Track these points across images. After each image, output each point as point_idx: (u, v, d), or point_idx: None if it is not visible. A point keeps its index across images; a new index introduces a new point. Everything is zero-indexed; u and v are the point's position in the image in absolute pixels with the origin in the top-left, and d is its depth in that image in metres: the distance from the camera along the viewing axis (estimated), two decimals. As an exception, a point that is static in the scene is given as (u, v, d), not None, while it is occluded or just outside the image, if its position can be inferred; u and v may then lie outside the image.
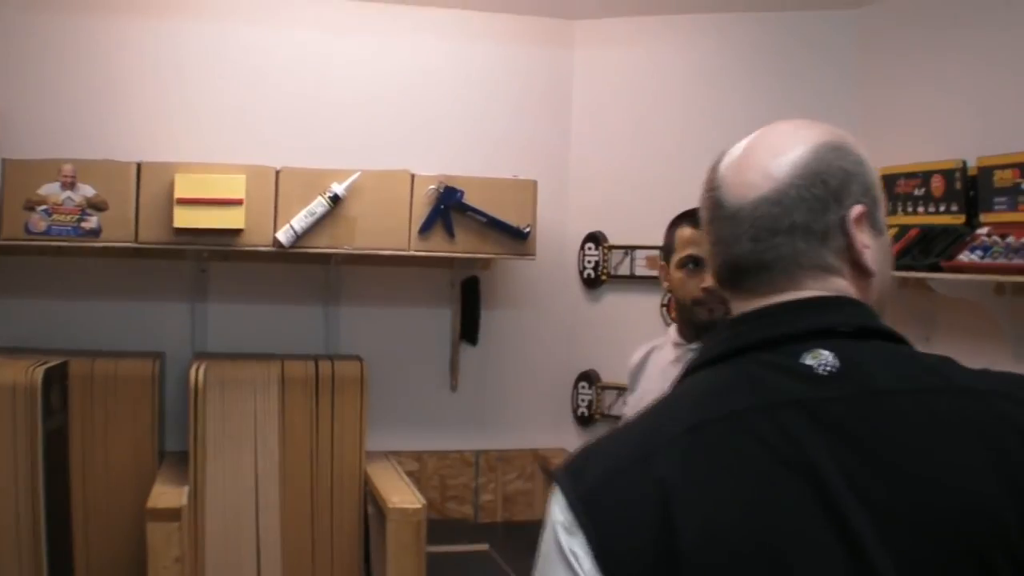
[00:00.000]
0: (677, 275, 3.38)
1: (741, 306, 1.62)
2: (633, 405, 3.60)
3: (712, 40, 5.83)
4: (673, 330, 3.59)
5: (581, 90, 6.06)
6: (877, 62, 5.43)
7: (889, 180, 4.76)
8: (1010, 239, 4.02)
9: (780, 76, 5.69)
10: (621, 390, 5.80)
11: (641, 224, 5.80)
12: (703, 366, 1.58)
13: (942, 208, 4.48)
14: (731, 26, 5.77)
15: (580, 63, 6.05)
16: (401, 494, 4.95)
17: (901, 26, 5.26)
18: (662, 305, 5.78)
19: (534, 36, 5.99)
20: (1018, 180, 4.06)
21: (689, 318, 3.40)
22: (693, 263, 3.33)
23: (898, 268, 4.51)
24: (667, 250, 3.48)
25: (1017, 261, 3.91)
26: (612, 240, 5.94)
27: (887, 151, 5.05)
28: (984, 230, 4.20)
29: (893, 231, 4.67)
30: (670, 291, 3.51)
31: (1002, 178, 4.14)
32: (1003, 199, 4.15)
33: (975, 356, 4.53)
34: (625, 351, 5.94)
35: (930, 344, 4.91)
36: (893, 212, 4.74)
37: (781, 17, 5.67)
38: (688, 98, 5.86)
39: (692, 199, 5.59)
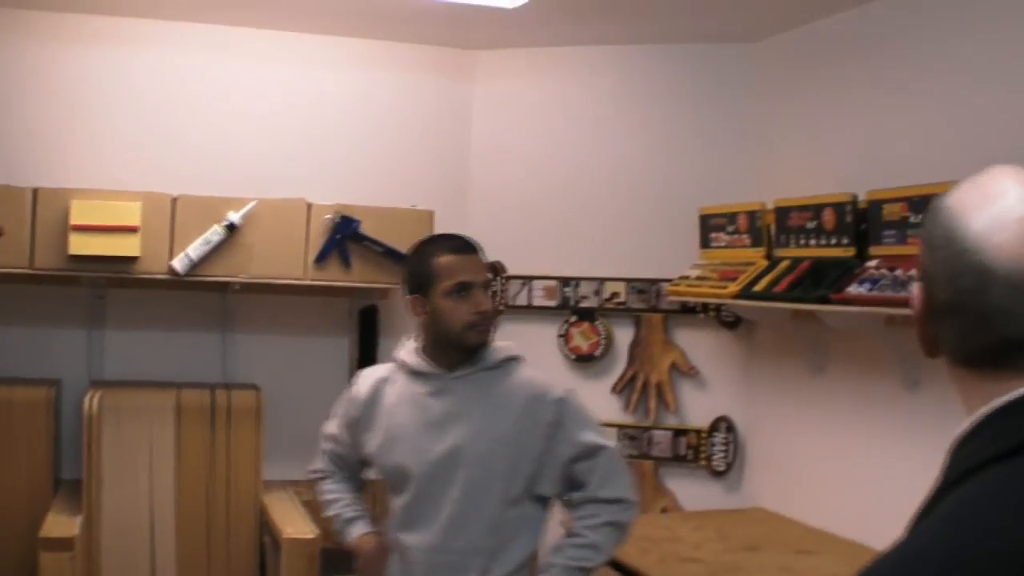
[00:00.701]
0: (446, 303, 3.23)
1: (999, 389, 1.36)
2: (379, 445, 3.38)
3: (612, 72, 5.83)
4: (412, 359, 3.39)
5: (481, 120, 6.01)
6: (773, 95, 5.46)
7: (782, 213, 4.78)
8: (898, 272, 4.03)
9: (680, 107, 5.71)
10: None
11: (539, 255, 5.84)
12: (987, 464, 1.31)
13: (833, 241, 4.49)
14: (632, 58, 5.78)
15: (481, 93, 6.01)
16: (295, 524, 4.86)
17: (796, 60, 5.29)
18: (559, 336, 5.77)
19: (435, 66, 5.94)
20: (906, 214, 4.08)
21: (458, 344, 3.28)
22: (463, 289, 3.22)
23: (789, 300, 4.52)
24: (424, 280, 3.28)
25: (904, 294, 3.92)
26: (511, 270, 5.90)
27: (782, 183, 5.09)
28: (873, 263, 4.21)
29: (785, 264, 4.69)
30: (429, 323, 3.30)
31: (891, 211, 4.16)
32: (892, 232, 4.16)
33: (867, 387, 4.56)
34: (524, 380, 5.92)
35: (824, 375, 4.93)
36: (786, 244, 4.76)
37: (681, 49, 5.68)
38: (588, 129, 5.85)
39: (590, 230, 5.57)
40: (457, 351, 3.30)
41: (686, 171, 5.65)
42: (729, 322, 5.52)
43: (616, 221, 5.72)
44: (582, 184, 5.79)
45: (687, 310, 5.59)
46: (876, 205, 4.24)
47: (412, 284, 3.33)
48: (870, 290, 4.10)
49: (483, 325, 3.27)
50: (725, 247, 5.21)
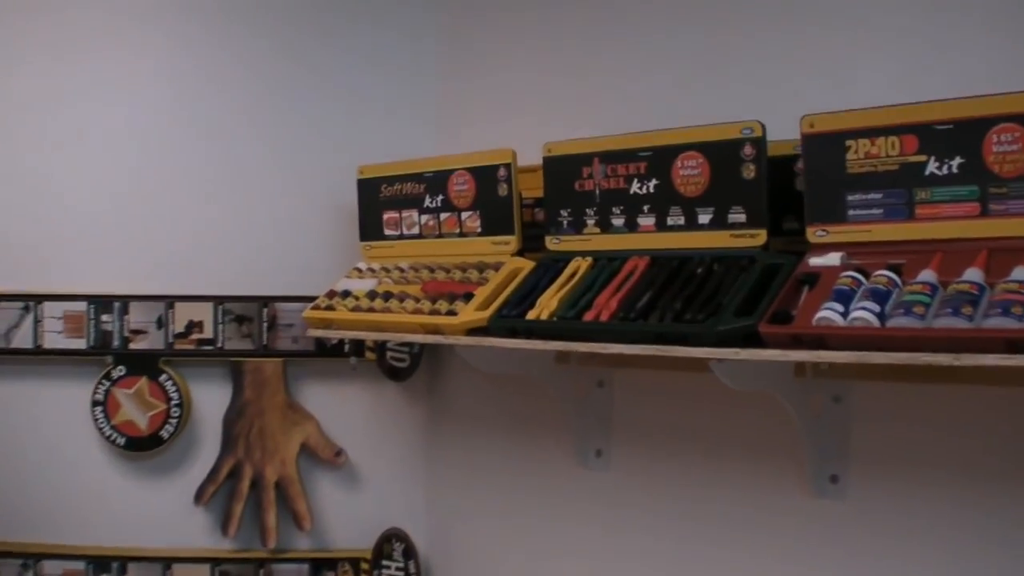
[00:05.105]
0: None
1: None
2: None
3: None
4: None
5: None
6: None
7: (560, 167, 2.42)
8: (928, 275, 1.77)
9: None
10: None
11: (56, 255, 3.36)
12: None
13: (707, 217, 2.17)
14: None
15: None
16: None
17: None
18: (94, 404, 3.20)
19: None
20: (913, 158, 1.83)
21: None
22: None
23: (632, 339, 2.11)
24: None
25: (1002, 323, 1.62)
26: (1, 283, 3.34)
27: (508, 133, 2.85)
28: (834, 259, 1.92)
29: (581, 265, 2.38)
30: None
31: (869, 153, 1.89)
32: (872, 197, 1.90)
33: (697, 479, 2.66)
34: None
35: (608, 458, 2.76)
36: (571, 229, 2.40)
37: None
38: (181, 48, 3.38)
39: (147, 215, 3.30)
40: None
41: (330, 116, 3.42)
42: (399, 369, 3.14)
43: (193, 199, 3.38)
44: (132, 133, 3.35)
45: (325, 351, 3.20)
46: (823, 142, 1.95)
47: None
48: (879, 314, 1.76)
49: None
50: (419, 237, 2.82)
